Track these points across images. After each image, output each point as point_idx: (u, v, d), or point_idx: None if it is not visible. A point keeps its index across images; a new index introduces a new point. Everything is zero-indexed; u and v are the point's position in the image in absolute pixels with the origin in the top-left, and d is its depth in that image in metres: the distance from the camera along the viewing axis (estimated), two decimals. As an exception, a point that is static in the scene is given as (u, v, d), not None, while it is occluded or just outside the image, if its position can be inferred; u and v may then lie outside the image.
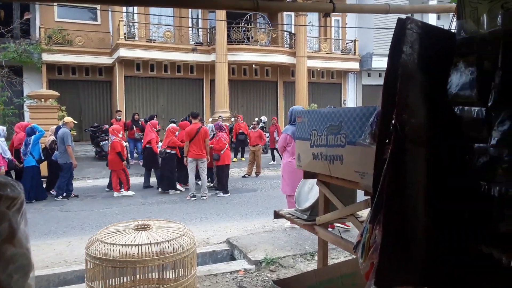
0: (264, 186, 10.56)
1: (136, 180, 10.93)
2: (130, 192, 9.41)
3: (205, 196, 8.99)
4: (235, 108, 19.19)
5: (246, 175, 12.08)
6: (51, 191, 9.41)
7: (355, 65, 21.81)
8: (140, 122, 13.24)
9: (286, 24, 20.89)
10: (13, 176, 8.99)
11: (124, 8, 17.55)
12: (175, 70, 18.83)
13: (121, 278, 3.42)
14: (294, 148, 5.91)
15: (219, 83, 17.39)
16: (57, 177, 9.32)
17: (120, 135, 9.48)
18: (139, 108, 17.60)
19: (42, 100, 11.82)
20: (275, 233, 5.64)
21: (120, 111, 14.33)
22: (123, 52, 16.72)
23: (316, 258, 4.62)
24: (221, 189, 9.47)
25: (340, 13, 22.23)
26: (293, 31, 20.37)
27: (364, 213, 2.21)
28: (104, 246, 3.19)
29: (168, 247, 3.25)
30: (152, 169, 10.27)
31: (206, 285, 3.97)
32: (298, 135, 2.29)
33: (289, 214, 2.49)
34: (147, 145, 10.20)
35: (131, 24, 17.69)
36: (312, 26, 21.44)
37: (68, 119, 9.74)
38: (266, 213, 7.61)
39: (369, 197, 1.88)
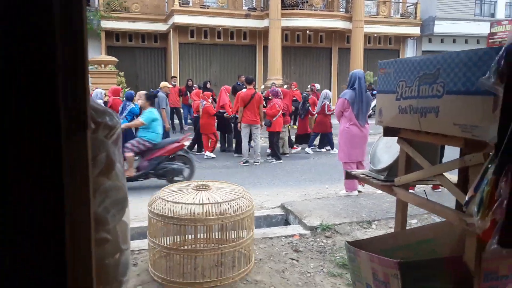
0: (317, 154, 10.44)
1: (191, 145, 11.15)
2: (212, 154, 9.79)
3: (258, 162, 9.03)
4: (288, 75, 18.92)
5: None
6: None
7: (416, 30, 20.65)
8: (194, 88, 13.39)
9: (342, -13, 20.03)
10: None
11: (178, -27, 17.55)
12: (228, 36, 18.75)
13: (183, 235, 3.52)
14: (351, 113, 5.73)
15: (272, 50, 17.14)
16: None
17: (210, 100, 9.72)
18: (192, 75, 17.82)
19: (102, 65, 12.24)
20: (330, 200, 5.57)
21: (175, 77, 14.57)
22: (178, 19, 16.84)
23: (373, 226, 4.54)
24: (273, 155, 9.46)
25: (401, -26, 20.98)
26: (350, -6, 19.52)
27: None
28: (166, 203, 3.28)
29: (228, 208, 3.29)
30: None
31: (262, 248, 4.01)
32: (381, 88, 2.12)
33: (363, 174, 2.39)
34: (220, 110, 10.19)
35: (185, -11, 17.70)
36: (371, -12, 20.42)
37: (164, 83, 10.28)
38: (319, 180, 7.55)
39: (461, 157, 1.74)
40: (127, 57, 18.09)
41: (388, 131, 2.09)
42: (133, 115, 9.42)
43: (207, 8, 17.60)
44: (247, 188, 6.85)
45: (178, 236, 3.53)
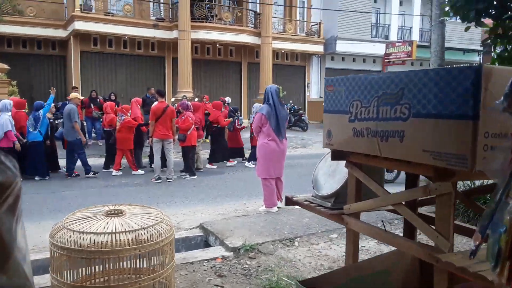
0: (231, 169, 10.30)
1: (96, 161, 10.35)
2: (140, 171, 9.36)
3: (171, 179, 8.62)
4: (199, 88, 18.65)
5: (211, 157, 11.73)
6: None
7: (319, 48, 21.75)
8: (98, 100, 12.52)
9: (251, 2, 20.43)
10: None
11: (80, -22, 16.44)
12: (135, 46, 17.99)
13: (91, 267, 3.07)
14: (269, 129, 5.67)
15: (182, 62, 16.78)
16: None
17: (129, 114, 9.16)
18: (96, 86, 16.68)
19: (-10, 73, 10.88)
20: (250, 217, 5.41)
21: (76, 88, 13.50)
22: (79, 25, 15.72)
23: (296, 244, 4.46)
24: (187, 171, 9.11)
25: (306, -5, 22.03)
26: (258, 11, 19.94)
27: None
28: (73, 234, 2.82)
29: (144, 234, 2.93)
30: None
31: (183, 275, 3.69)
32: (329, 108, 1.93)
33: (307, 201, 2.21)
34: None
35: (87, -5, 16.61)
36: (278, 6, 21.09)
37: (74, 95, 9.38)
38: (236, 196, 7.38)
39: (426, 184, 1.62)
40: (20, 65, 16.34)
41: (338, 155, 1.92)
42: (47, 127, 8.72)
43: (112, 15, 16.68)
44: (161, 207, 6.47)
45: (87, 269, 3.07)
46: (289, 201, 2.42)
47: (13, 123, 8.16)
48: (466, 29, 5.96)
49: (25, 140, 8.52)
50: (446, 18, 7.67)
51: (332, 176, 2.21)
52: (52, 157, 9.26)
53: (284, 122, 5.86)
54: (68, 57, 17.39)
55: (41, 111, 8.64)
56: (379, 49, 22.19)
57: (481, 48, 26.43)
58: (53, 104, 9.63)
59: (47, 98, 9.36)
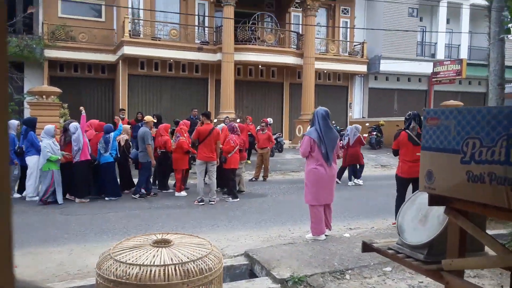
0: (274, 191, 10.12)
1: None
2: (183, 193, 9.44)
3: (214, 201, 8.54)
4: (240, 109, 18.76)
5: (254, 179, 11.65)
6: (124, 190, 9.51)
7: (363, 68, 21.40)
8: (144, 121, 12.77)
9: (294, 24, 20.49)
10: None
11: (129, 4, 17.13)
12: (180, 69, 18.41)
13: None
14: (318, 153, 5.47)
15: (225, 83, 16.96)
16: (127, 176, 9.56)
17: (186, 135, 9.41)
18: (142, 107, 17.15)
19: (44, 96, 11.40)
20: (298, 246, 5.20)
21: (124, 110, 13.90)
22: (128, 50, 16.31)
23: (347, 277, 4.20)
24: (229, 193, 9.02)
25: (349, 14, 21.87)
26: (301, 32, 19.96)
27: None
28: (120, 266, 2.75)
29: (194, 267, 2.81)
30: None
31: (229, 308, 3.53)
32: (430, 145, 1.65)
33: (391, 249, 1.92)
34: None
35: (136, 21, 17.24)
36: (320, 26, 21.04)
37: (148, 118, 9.69)
38: (280, 221, 7.18)
39: None
40: (71, 88, 17.11)
41: (439, 200, 1.63)
42: (116, 150, 9.02)
43: (159, 40, 17.21)
44: (204, 231, 6.39)
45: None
46: (367, 248, 2.11)
47: (58, 147, 8.41)
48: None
49: (96, 162, 8.92)
50: (506, 35, 7.26)
51: (423, 222, 1.91)
52: (127, 177, 9.64)
53: (334, 146, 5.65)
54: (116, 80, 18.04)
55: (111, 134, 8.97)
56: (425, 68, 21.56)
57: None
58: (128, 126, 10.10)
59: (96, 119, 9.68)
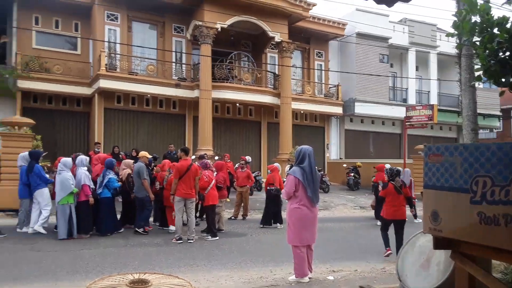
0: (254, 231, 9.92)
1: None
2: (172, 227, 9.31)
3: (192, 240, 8.27)
4: (219, 146, 18.67)
5: (233, 217, 11.43)
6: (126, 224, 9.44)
7: (338, 110, 21.90)
8: (120, 155, 12.50)
9: (270, 64, 20.90)
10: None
11: (106, 38, 17.11)
12: (157, 104, 18.30)
13: None
14: (303, 193, 5.40)
15: (203, 120, 16.93)
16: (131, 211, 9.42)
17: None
18: (118, 141, 16.81)
19: (16, 127, 11.00)
20: (282, 288, 5.02)
21: (99, 143, 13.58)
22: (104, 83, 16.14)
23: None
24: (208, 231, 8.78)
25: (323, 58, 22.56)
26: (277, 72, 20.37)
27: None
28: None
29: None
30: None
31: None
32: (433, 183, 1.55)
33: None
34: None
35: (113, 55, 17.17)
36: (296, 68, 21.55)
37: (143, 153, 9.68)
38: (261, 261, 6.99)
39: None
40: (45, 120, 16.61)
41: (445, 244, 1.52)
42: (112, 188, 8.87)
43: (136, 75, 17.13)
44: (182, 271, 6.11)
45: None
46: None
47: (90, 177, 8.63)
48: (501, 94, 5.80)
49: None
50: (477, 82, 7.56)
51: (426, 267, 1.83)
52: (131, 211, 9.46)
53: (318, 185, 5.62)
54: (92, 113, 17.71)
55: (110, 171, 8.96)
56: (397, 112, 22.27)
57: (500, 114, 26.43)
58: (131, 161, 9.93)
59: (70, 153, 9.43)
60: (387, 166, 10.32)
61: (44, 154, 9.82)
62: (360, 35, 21.99)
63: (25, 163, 8.96)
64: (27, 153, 9.19)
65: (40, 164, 9.29)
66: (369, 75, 20.75)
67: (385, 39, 22.66)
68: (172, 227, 9.20)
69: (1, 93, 15.80)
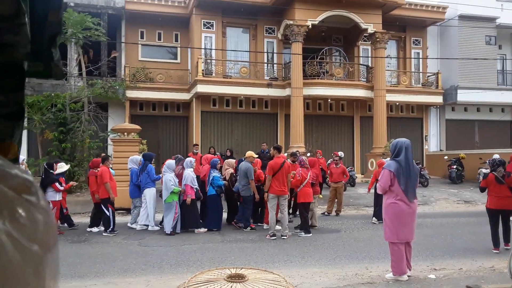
0: (348, 227, 9.75)
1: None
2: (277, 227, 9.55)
3: (286, 236, 8.39)
4: (310, 143, 18.64)
5: (326, 213, 11.35)
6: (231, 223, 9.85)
7: (438, 99, 20.44)
8: (216, 156, 13.10)
9: (363, 57, 20.28)
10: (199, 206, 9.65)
11: (203, 45, 18.06)
12: (250, 105, 18.84)
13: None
14: (398, 188, 5.19)
15: (294, 118, 17.02)
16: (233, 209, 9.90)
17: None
18: (214, 142, 17.70)
19: (125, 133, 12.14)
20: (378, 286, 4.89)
21: (197, 145, 14.39)
22: (201, 88, 17.06)
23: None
24: (302, 228, 8.83)
25: (420, 45, 21.26)
26: (370, 64, 19.69)
27: None
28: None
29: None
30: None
31: None
32: None
33: None
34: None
35: (209, 61, 18.09)
36: (391, 58, 20.60)
37: (249, 153, 9.99)
38: (355, 258, 6.86)
39: None
40: (150, 125, 18.20)
41: None
42: (217, 186, 9.44)
43: (230, 78, 17.86)
44: (277, 266, 6.25)
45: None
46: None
47: (195, 177, 9.26)
48: None
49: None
50: None
51: None
52: (234, 209, 9.93)
53: (416, 180, 5.34)
54: (190, 117, 18.88)
55: (215, 170, 9.54)
56: (508, 97, 20.15)
57: None
58: (234, 160, 10.52)
59: (171, 155, 10.11)
60: (496, 156, 9.53)
61: (155, 156, 10.75)
62: (462, 17, 20.27)
63: (134, 165, 9.90)
64: (136, 156, 10.15)
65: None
66: (474, 60, 19.03)
67: (492, 19, 20.60)
68: (266, 225, 9.41)
69: (113, 102, 17.57)
